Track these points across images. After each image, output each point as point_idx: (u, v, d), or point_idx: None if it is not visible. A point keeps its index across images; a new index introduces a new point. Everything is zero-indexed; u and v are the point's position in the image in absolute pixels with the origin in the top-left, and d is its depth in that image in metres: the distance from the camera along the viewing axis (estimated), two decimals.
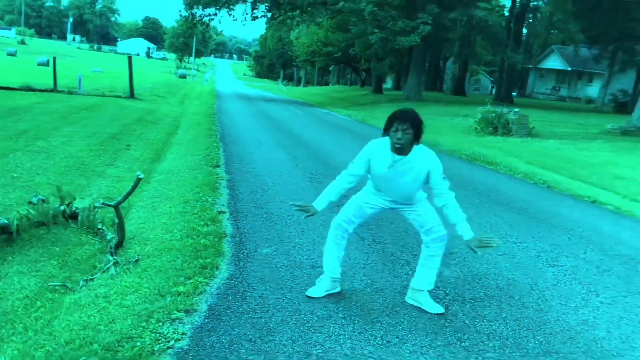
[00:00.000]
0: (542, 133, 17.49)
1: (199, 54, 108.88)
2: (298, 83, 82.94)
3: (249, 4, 32.89)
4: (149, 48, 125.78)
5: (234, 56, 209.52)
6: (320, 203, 3.86)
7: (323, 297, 3.89)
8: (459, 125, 19.72)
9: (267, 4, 31.73)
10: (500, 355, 3.28)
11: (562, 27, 36.58)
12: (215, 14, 32.84)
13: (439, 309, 3.82)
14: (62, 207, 5.40)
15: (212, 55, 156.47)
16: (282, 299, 3.85)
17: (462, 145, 13.83)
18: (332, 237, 3.97)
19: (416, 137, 3.63)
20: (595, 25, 31.67)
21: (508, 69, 38.09)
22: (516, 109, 17.94)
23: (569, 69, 49.92)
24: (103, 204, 4.92)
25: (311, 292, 3.95)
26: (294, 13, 32.97)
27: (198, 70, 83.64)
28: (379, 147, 3.77)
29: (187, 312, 3.59)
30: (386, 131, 3.68)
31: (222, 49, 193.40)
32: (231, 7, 31.99)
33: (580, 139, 16.82)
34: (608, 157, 12.93)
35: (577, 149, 14.17)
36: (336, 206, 4.06)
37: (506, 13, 39.14)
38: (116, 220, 5.02)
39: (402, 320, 3.65)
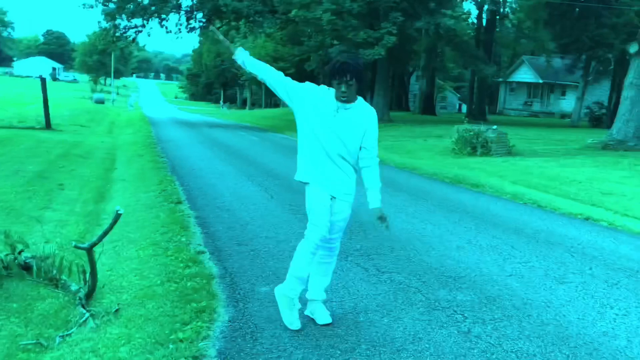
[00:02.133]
0: (522, 151, 18.41)
1: (118, 75, 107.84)
2: (243, 105, 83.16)
3: (182, 14, 33.09)
4: (54, 68, 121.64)
5: (161, 75, 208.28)
6: (245, 55, 4.25)
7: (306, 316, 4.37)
8: (434, 146, 20.45)
9: (205, 13, 31.95)
10: None
11: (532, 35, 38.35)
12: (143, 26, 32.68)
13: (326, 319, 4.34)
14: (19, 256, 5.48)
15: (134, 75, 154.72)
16: (296, 336, 4.12)
17: (442, 167, 14.45)
18: (310, 249, 4.22)
19: (360, 89, 4.01)
20: (566, 33, 33.55)
21: (479, 84, 39.51)
22: (494, 127, 18.82)
23: (541, 81, 52.27)
24: (75, 246, 5.05)
25: (292, 325, 4.26)
26: (239, 23, 33.33)
27: (118, 94, 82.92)
28: (325, 93, 4.11)
29: (195, 358, 3.79)
30: (328, 82, 4.05)
31: (145, 68, 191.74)
32: (163, 16, 31.97)
33: (562, 155, 17.78)
34: (593, 172, 13.82)
35: (560, 166, 15.01)
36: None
37: (474, 21, 40.74)
38: (86, 267, 5.16)
39: (427, 346, 4.01)
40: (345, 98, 4.00)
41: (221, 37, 4.26)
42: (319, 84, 4.23)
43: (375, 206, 4.19)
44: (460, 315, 4.56)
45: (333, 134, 4.07)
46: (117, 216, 4.91)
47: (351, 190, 4.26)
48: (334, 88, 4.01)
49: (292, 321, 4.27)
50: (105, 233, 5.03)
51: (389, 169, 14.01)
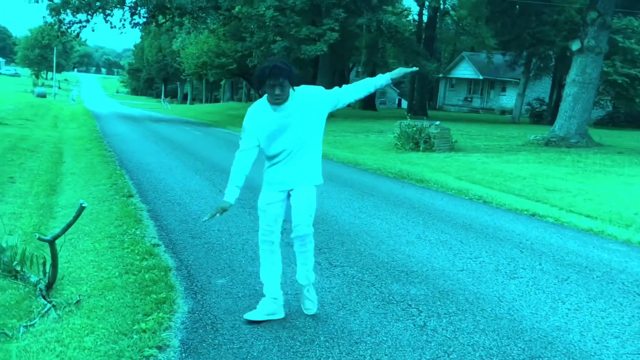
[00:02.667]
0: (465, 147, 18.81)
1: (59, 69, 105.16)
2: (184, 100, 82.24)
3: (127, 9, 32.55)
4: None
5: (103, 70, 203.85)
6: (230, 194, 4.28)
7: (264, 321, 4.28)
8: (376, 141, 20.70)
9: (149, 9, 31.50)
10: None
11: (473, 32, 39.10)
12: (88, 21, 32.07)
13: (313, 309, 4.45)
14: None
15: (75, 70, 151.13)
16: (256, 328, 4.19)
17: (385, 163, 14.66)
18: (261, 254, 4.43)
19: (292, 85, 4.07)
20: (507, 30, 34.23)
21: (420, 79, 40.13)
22: (437, 122, 19.09)
23: (481, 77, 53.21)
24: (39, 238, 5.01)
25: (251, 315, 4.30)
26: (183, 19, 33.01)
27: (60, 88, 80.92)
28: (258, 110, 4.20)
29: (159, 348, 3.84)
30: (260, 88, 4.10)
31: (87, 62, 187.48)
32: (107, 12, 31.42)
33: (505, 151, 18.24)
34: (536, 168, 14.21)
35: (503, 162, 15.42)
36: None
37: (415, 17, 41.29)
38: (47, 259, 5.12)
39: (385, 338, 4.11)
40: (279, 100, 4.05)
41: (213, 214, 4.30)
42: None
43: (391, 76, 4.49)
44: (415, 309, 4.65)
45: (282, 136, 4.18)
46: (81, 209, 4.91)
47: (316, 176, 4.37)
48: (268, 93, 4.05)
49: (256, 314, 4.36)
50: (69, 225, 5.02)
51: (332, 164, 14.16)
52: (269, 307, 4.36)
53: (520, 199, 10.32)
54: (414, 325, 4.35)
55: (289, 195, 4.33)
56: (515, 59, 37.60)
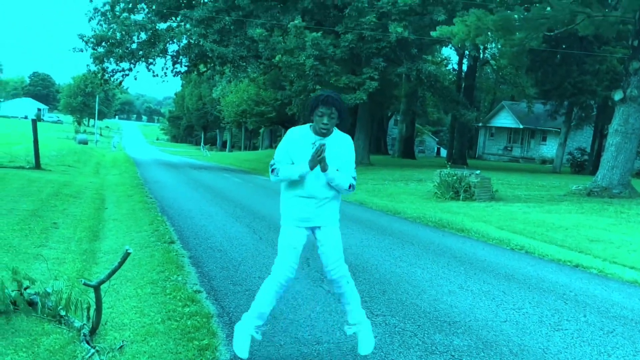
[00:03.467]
0: (505, 196, 18.65)
1: (101, 116, 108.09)
2: (223, 147, 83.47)
3: (169, 58, 33.55)
4: (39, 109, 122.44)
5: (143, 117, 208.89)
6: (300, 165, 4.25)
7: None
8: (415, 190, 20.67)
9: (191, 58, 32.41)
10: None
11: (513, 81, 39.12)
12: (130, 69, 33.15)
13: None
14: (25, 292, 5.54)
15: (117, 117, 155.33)
16: None
17: (425, 211, 14.62)
18: (275, 288, 4.50)
19: (340, 122, 4.25)
20: (548, 80, 34.12)
21: (460, 128, 40.16)
22: (477, 171, 19.00)
23: (521, 126, 52.97)
24: (84, 283, 5.14)
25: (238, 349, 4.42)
26: (224, 68, 33.82)
27: (102, 135, 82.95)
28: (298, 133, 4.34)
29: None
30: (309, 115, 4.28)
31: (128, 109, 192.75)
32: (150, 60, 32.44)
33: (546, 201, 18.01)
34: (578, 219, 14.00)
35: (545, 212, 15.23)
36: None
37: (454, 66, 41.54)
38: (91, 304, 5.24)
39: None
40: (325, 130, 4.23)
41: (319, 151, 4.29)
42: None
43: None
44: None
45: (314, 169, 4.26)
46: (126, 255, 5.03)
47: (335, 215, 4.47)
48: (315, 121, 4.23)
49: (242, 348, 4.42)
50: (114, 271, 5.13)
51: (371, 212, 14.18)
52: (248, 339, 4.50)
53: (563, 249, 10.21)
54: None
55: (312, 231, 4.45)
56: (556, 109, 37.37)
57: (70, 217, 11.86)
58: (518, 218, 13.94)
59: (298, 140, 4.31)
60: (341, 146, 4.34)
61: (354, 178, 4.43)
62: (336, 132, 4.34)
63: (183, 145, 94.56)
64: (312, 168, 4.20)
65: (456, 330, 5.36)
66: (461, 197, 17.41)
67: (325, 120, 4.16)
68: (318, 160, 4.16)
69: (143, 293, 6.35)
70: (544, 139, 53.13)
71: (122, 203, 14.02)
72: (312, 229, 4.44)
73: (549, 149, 50.37)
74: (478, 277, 7.59)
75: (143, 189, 17.17)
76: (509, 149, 56.12)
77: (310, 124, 4.33)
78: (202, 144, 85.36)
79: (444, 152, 61.61)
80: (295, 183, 4.33)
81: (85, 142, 58.75)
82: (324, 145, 4.16)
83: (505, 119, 55.28)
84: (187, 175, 25.31)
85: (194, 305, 5.76)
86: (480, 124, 52.88)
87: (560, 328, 5.63)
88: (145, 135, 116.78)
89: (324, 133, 4.23)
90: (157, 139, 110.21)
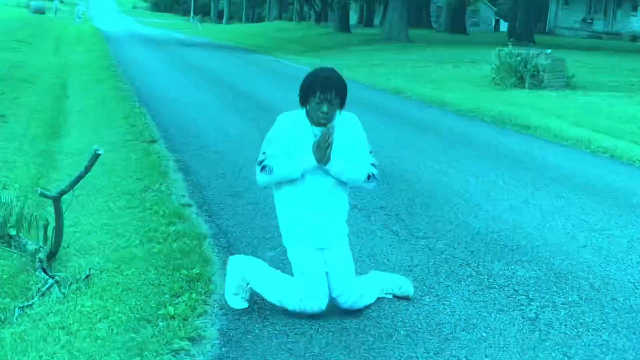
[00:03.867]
0: (585, 84, 18.31)
1: None
2: (219, 19, 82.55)
3: None
4: None
5: None
6: (305, 157, 4.07)
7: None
8: (467, 75, 20.39)
9: None
10: None
11: None
12: None
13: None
14: None
15: None
16: (316, 318, 4.11)
17: (480, 102, 14.41)
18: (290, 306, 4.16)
19: (342, 106, 4.10)
20: None
21: None
22: (547, 51, 18.57)
23: None
24: (41, 194, 5.07)
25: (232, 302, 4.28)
26: None
27: (62, 2, 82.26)
28: (292, 122, 4.17)
29: (192, 340, 3.82)
30: (304, 101, 4.09)
31: None
32: None
33: (638, 90, 17.67)
34: None
35: (636, 104, 14.94)
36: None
37: None
38: (49, 222, 5.17)
39: (484, 335, 4.01)
40: (325, 120, 4.06)
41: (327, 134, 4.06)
42: None
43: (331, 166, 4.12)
44: (524, 297, 4.54)
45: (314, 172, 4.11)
46: (95, 157, 4.95)
47: (345, 227, 4.36)
48: (312, 108, 4.06)
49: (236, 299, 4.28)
50: (79, 178, 5.07)
51: (411, 103, 14.03)
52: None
53: None
54: (523, 318, 4.24)
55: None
56: None
57: (23, 107, 11.83)
58: (601, 112, 13.72)
59: (292, 130, 4.15)
60: (346, 131, 4.18)
61: (375, 165, 4.27)
62: (338, 119, 4.15)
63: (168, 15, 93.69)
64: (319, 160, 4.02)
65: (520, 258, 5.25)
66: (527, 85, 17.11)
67: (324, 109, 4.02)
68: (326, 146, 3.98)
69: (116, 207, 6.30)
70: (635, 9, 51.78)
71: (89, 90, 13.99)
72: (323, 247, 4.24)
73: None
74: (549, 189, 7.45)
75: (116, 72, 17.16)
76: (589, 21, 54.88)
77: (303, 109, 4.14)
78: (191, 14, 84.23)
79: (504, 26, 60.34)
80: (293, 190, 4.14)
81: (42, 12, 58.32)
82: (332, 127, 3.99)
83: None
84: (173, 55, 25.16)
85: (181, 223, 5.71)
86: None
87: None
88: (118, 2, 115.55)
89: (323, 123, 4.06)
90: (135, 7, 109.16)
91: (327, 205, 4.19)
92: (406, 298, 4.41)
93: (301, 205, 4.17)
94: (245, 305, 4.25)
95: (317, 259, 4.19)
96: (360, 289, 4.23)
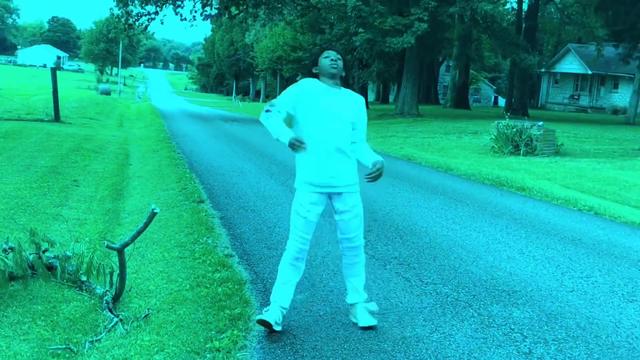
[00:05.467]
0: (572, 151, 18.28)
1: (125, 64, 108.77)
2: (257, 97, 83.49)
3: (198, 1, 33.38)
4: (59, 57, 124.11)
5: (170, 65, 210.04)
6: (287, 134, 4.25)
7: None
8: (469, 144, 20.39)
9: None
10: None
11: (580, 21, 37.96)
12: (157, 13, 33.11)
13: (370, 321, 4.51)
14: (44, 255, 5.61)
15: (142, 65, 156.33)
16: (338, 349, 4.16)
17: (481, 168, 14.41)
18: (289, 260, 4.53)
19: (345, 71, 4.47)
20: (620, 19, 32.94)
21: (520, 74, 39.30)
22: (539, 123, 18.59)
23: (590, 72, 51.49)
24: (107, 246, 5.18)
25: (266, 315, 4.38)
26: (257, 10, 33.56)
27: (125, 85, 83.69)
28: (311, 85, 4.45)
29: None
30: (315, 64, 4.49)
31: (154, 57, 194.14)
32: (177, 3, 32.33)
33: (619, 156, 17.59)
34: None
35: (617, 168, 14.87)
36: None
37: (514, 5, 40.41)
38: (114, 269, 5.29)
39: None
40: (335, 69, 4.39)
41: (298, 142, 4.26)
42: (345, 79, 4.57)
43: (377, 159, 4.46)
44: (519, 334, 4.54)
45: (328, 115, 4.34)
46: (152, 215, 5.05)
47: (355, 180, 4.52)
48: (323, 64, 4.42)
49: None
50: (139, 232, 5.17)
51: (420, 169, 14.04)
52: (276, 316, 4.40)
53: (638, 210, 9.94)
54: (518, 352, 4.23)
55: (329, 198, 4.48)
56: (629, 52, 36.11)
57: (92, 174, 12.04)
58: (586, 175, 13.66)
59: (309, 91, 4.41)
60: (353, 101, 4.54)
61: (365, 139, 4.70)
62: (347, 89, 4.54)
63: (213, 95, 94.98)
64: (289, 146, 4.21)
65: (516, 301, 5.25)
66: (522, 152, 17.12)
67: (332, 57, 4.39)
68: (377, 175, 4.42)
69: (170, 257, 6.40)
70: (616, 87, 51.63)
71: (148, 159, 14.17)
72: (330, 195, 4.48)
73: (622, 97, 48.96)
74: (541, 242, 7.43)
75: (170, 143, 17.33)
76: (576, 97, 54.79)
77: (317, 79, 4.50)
78: (234, 93, 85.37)
79: (502, 102, 60.54)
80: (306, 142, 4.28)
81: (107, 93, 59.35)
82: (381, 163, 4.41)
83: (571, 64, 53.79)
84: (217, 128, 25.44)
85: (225, 271, 5.77)
86: (543, 70, 51.55)
87: (634, 299, 5.47)
88: (172, 84, 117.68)
89: (334, 73, 4.40)
90: (186, 89, 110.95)
91: (340, 157, 4.40)
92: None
93: (310, 157, 4.37)
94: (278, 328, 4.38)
95: (314, 205, 4.42)
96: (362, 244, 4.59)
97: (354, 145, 4.51)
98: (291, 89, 4.47)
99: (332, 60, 4.36)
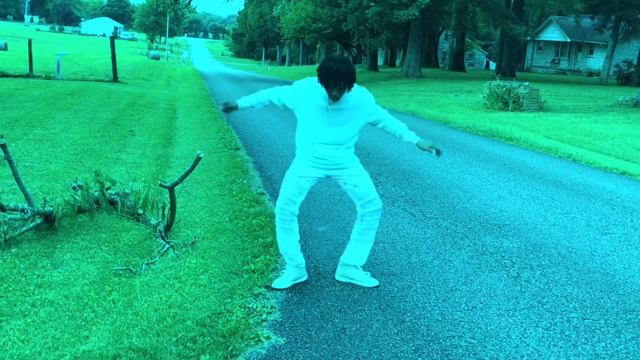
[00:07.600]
0: (553, 107, 17.91)
1: (171, 34, 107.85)
2: (282, 62, 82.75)
3: None
4: (116, 28, 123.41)
5: (209, 35, 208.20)
6: (243, 102, 3.99)
7: (290, 287, 3.91)
8: (465, 101, 20.06)
9: None
10: (583, 314, 3.64)
11: None
12: None
13: (373, 282, 3.98)
14: (107, 192, 5.61)
15: (185, 35, 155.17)
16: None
17: (475, 121, 14.18)
18: (279, 224, 3.94)
19: (351, 86, 3.67)
20: None
21: (509, 42, 38.44)
22: (526, 83, 18.24)
23: (569, 40, 50.35)
24: (160, 185, 5.16)
25: (277, 283, 3.93)
26: None
27: (172, 51, 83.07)
28: (314, 87, 3.71)
29: (267, 287, 3.88)
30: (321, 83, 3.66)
31: (195, 27, 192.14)
32: None
33: (593, 112, 17.23)
34: (625, 129, 13.35)
35: (592, 122, 14.59)
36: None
37: None
38: (166, 204, 5.28)
39: (479, 287, 3.98)
40: (335, 99, 3.66)
41: (228, 104, 4.01)
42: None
43: (418, 140, 3.93)
44: (509, 261, 4.51)
45: (328, 127, 3.76)
46: (198, 159, 5.01)
47: (352, 160, 3.90)
48: (326, 90, 3.63)
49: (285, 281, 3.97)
50: (187, 174, 5.12)
51: (423, 122, 13.85)
52: (294, 274, 3.98)
53: (610, 158, 9.79)
54: (508, 276, 4.20)
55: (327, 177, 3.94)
56: (603, 23, 35.13)
57: (145, 125, 11.99)
58: (566, 128, 13.43)
59: (311, 91, 3.72)
60: (359, 108, 3.81)
61: (386, 112, 4.05)
62: (348, 93, 3.70)
63: (246, 60, 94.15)
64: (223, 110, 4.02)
65: (506, 233, 5.20)
66: (510, 108, 16.82)
67: (335, 93, 3.60)
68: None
69: (212, 194, 6.40)
70: (591, 52, 50.47)
71: (192, 113, 14.10)
72: (331, 174, 3.88)
73: (596, 62, 47.89)
74: (527, 183, 7.34)
75: (210, 100, 17.22)
76: (557, 62, 53.67)
77: None
78: (263, 59, 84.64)
79: (493, 65, 59.33)
80: (304, 127, 3.83)
81: (157, 58, 58.86)
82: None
83: (553, 33, 52.61)
84: (250, 88, 25.21)
85: (258, 206, 5.76)
86: (528, 38, 50.25)
87: (607, 232, 5.40)
88: (211, 51, 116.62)
89: (335, 100, 3.66)
90: (222, 55, 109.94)
91: (327, 152, 3.80)
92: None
93: (306, 146, 3.84)
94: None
95: (310, 178, 3.89)
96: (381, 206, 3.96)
97: (384, 126, 3.99)
98: (296, 84, 3.83)
99: (334, 96, 3.62)
